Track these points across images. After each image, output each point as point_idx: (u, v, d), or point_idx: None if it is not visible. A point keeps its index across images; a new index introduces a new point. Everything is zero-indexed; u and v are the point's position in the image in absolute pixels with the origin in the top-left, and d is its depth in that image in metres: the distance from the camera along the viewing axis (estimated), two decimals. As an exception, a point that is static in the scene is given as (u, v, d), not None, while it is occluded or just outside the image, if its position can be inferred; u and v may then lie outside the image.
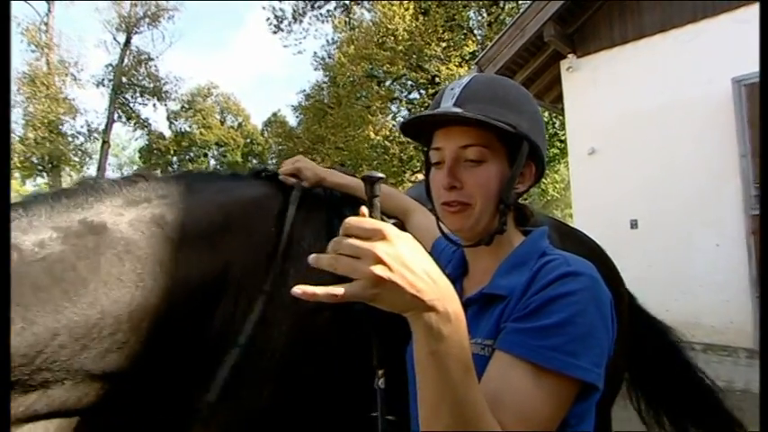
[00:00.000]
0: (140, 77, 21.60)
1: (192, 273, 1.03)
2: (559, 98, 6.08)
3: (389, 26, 14.31)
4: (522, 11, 5.67)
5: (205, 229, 1.08)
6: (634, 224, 5.04)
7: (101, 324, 0.88)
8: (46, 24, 19.02)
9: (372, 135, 15.67)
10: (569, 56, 5.55)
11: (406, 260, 0.49)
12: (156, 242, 0.99)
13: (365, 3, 17.07)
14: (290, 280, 1.10)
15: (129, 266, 0.93)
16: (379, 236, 0.49)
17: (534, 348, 0.60)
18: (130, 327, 0.92)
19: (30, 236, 0.86)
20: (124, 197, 1.02)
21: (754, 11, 4.23)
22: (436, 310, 0.51)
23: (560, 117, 8.05)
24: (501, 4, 14.65)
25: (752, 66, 4.14)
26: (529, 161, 0.79)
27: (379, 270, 0.48)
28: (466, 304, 0.76)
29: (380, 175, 0.55)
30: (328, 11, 18.10)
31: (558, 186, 17.59)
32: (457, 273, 0.88)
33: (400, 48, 14.37)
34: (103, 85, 20.84)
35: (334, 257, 0.50)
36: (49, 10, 19.13)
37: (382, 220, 0.53)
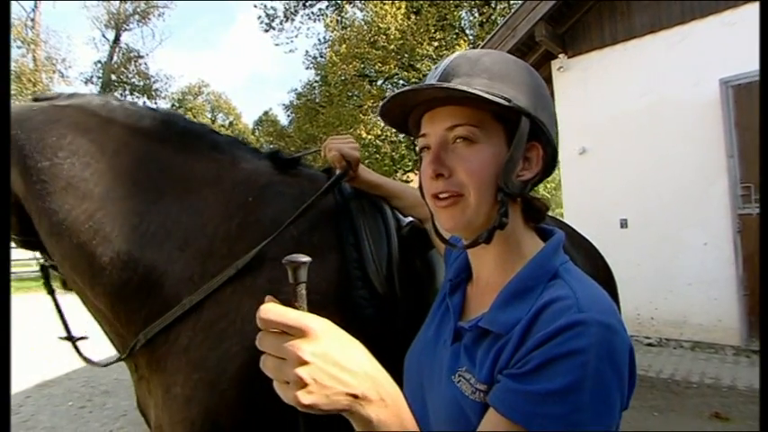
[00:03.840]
0: (130, 75, 21.42)
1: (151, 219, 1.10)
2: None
3: (381, 25, 14.30)
4: (513, 11, 5.69)
5: (183, 178, 1.15)
6: (624, 223, 5.08)
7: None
8: (32, 20, 18.76)
9: (364, 134, 15.66)
10: (560, 56, 5.58)
11: (334, 357, 0.45)
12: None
13: (357, 2, 17.04)
14: (266, 263, 1.06)
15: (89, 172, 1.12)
16: (300, 333, 0.44)
17: (533, 416, 0.52)
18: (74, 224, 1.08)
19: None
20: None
21: (740, 13, 4.29)
22: (369, 399, 0.47)
23: (551, 117, 8.08)
24: (492, 5, 14.70)
25: (739, 67, 4.20)
26: (533, 142, 0.67)
27: (305, 372, 0.43)
28: (460, 332, 0.70)
29: (305, 258, 0.46)
30: (320, 9, 18.07)
31: (548, 186, 17.71)
32: (460, 277, 0.78)
33: (392, 47, 14.36)
34: (92, 83, 20.70)
35: (263, 357, 0.45)
36: (35, 6, 18.87)
37: (308, 310, 0.47)
